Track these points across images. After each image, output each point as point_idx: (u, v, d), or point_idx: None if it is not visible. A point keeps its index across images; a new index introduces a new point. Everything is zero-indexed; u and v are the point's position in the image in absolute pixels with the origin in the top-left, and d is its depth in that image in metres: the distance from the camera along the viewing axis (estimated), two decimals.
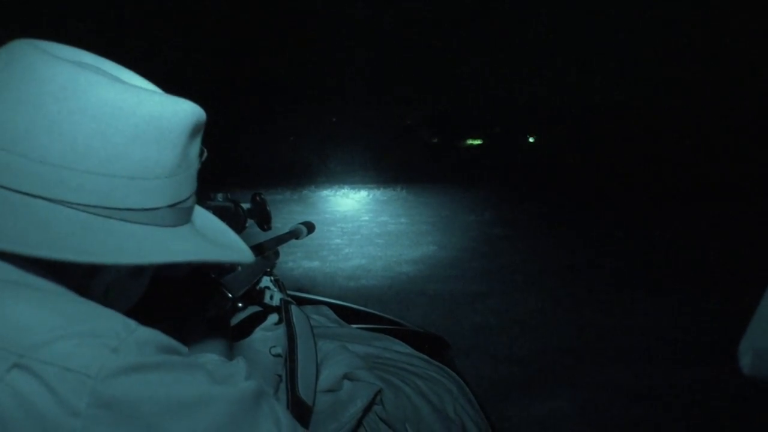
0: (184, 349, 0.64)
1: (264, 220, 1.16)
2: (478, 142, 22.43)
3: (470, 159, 20.31)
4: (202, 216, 0.84)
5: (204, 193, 1.01)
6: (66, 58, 0.65)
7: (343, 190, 14.07)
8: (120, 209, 0.64)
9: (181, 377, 0.58)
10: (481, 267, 6.35)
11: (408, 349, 1.39)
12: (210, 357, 0.86)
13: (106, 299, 0.66)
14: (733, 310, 4.58)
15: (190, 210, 0.75)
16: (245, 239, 0.93)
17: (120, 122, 0.63)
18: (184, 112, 0.68)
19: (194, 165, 0.73)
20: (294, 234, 1.39)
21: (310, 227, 1.44)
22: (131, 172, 0.64)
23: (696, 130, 17.13)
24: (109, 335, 0.56)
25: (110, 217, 0.64)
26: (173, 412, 0.56)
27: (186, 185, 0.72)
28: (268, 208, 1.16)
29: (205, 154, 0.76)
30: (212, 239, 0.78)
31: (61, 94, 0.61)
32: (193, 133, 0.70)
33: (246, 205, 1.13)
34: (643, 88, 18.76)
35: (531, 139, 22.37)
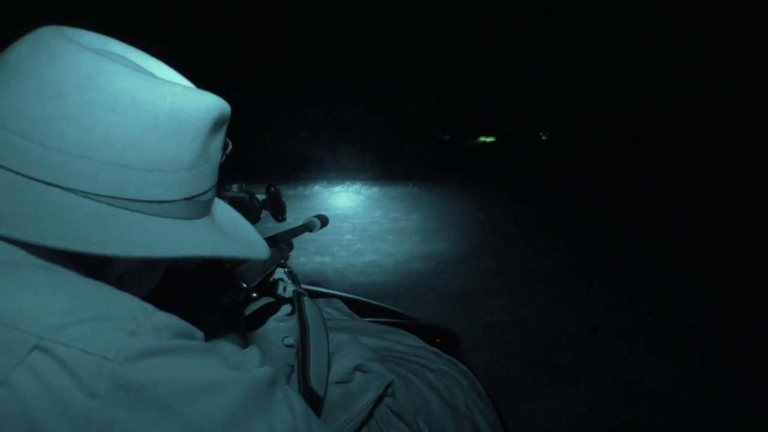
0: (199, 334, 0.64)
1: (279, 211, 1.16)
2: (490, 139, 22.36)
3: (482, 156, 20.24)
4: (222, 209, 0.83)
5: (219, 184, 1.02)
6: (92, 46, 0.65)
7: (355, 186, 14.07)
8: (135, 200, 0.64)
9: (196, 362, 0.59)
10: (492, 264, 6.34)
11: (419, 343, 1.39)
12: (225, 345, 0.87)
13: (118, 288, 0.67)
14: (740, 308, 4.59)
15: (209, 203, 0.75)
16: (259, 231, 0.94)
17: (139, 113, 0.63)
18: (206, 105, 0.68)
19: (215, 158, 0.73)
20: (308, 227, 1.39)
21: (324, 220, 1.44)
22: (148, 164, 0.64)
23: (709, 129, 16.99)
24: (127, 319, 0.56)
25: (124, 208, 0.64)
26: (189, 396, 0.56)
27: (205, 178, 0.71)
28: (282, 199, 1.16)
29: (230, 147, 0.76)
30: (229, 233, 0.78)
31: (82, 83, 0.61)
32: (216, 126, 0.70)
33: (261, 196, 1.14)
34: (656, 88, 18.62)
35: (543, 137, 22.27)
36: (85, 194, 0.62)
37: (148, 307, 0.59)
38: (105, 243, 0.61)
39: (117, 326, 0.55)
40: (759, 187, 11.31)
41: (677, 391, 3.33)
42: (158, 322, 0.58)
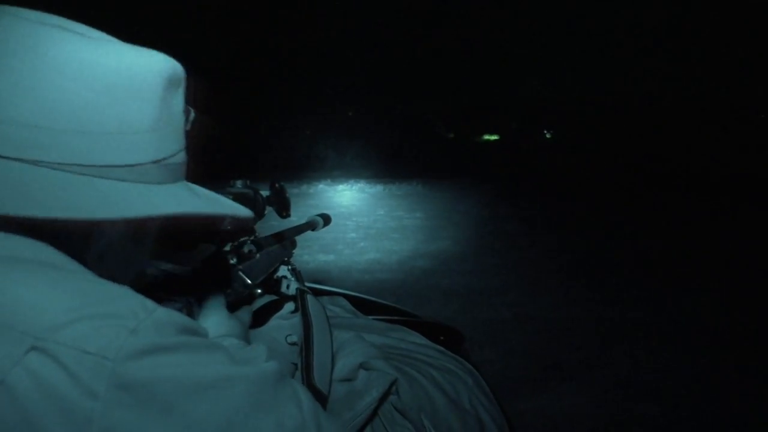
0: (204, 330, 0.63)
1: (283, 207, 1.16)
2: (494, 137, 22.35)
3: (486, 154, 20.23)
4: (195, 186, 0.80)
5: (224, 181, 1.02)
6: (28, 18, 0.63)
7: (359, 185, 14.08)
8: (99, 166, 0.62)
9: (201, 358, 0.57)
10: (496, 262, 6.33)
11: (424, 341, 1.39)
12: (231, 341, 0.86)
13: (103, 269, 0.64)
14: (743, 307, 4.57)
15: (181, 167, 0.72)
16: (263, 228, 0.93)
17: (88, 77, 0.61)
18: (157, 63, 0.66)
19: (178, 120, 0.71)
20: (311, 225, 1.40)
21: (326, 219, 1.44)
22: (107, 128, 0.62)
23: (715, 125, 16.93)
24: (127, 316, 0.55)
25: (91, 175, 0.62)
26: (193, 393, 0.55)
27: (171, 140, 0.69)
28: (287, 195, 1.16)
29: (193, 115, 0.74)
30: (209, 197, 0.76)
31: (25, 52, 0.60)
32: (170, 85, 0.68)
33: (265, 193, 1.13)
34: (661, 85, 18.56)
35: (548, 135, 22.25)
36: (48, 164, 0.60)
37: (150, 304, 0.58)
38: (79, 208, 0.59)
39: (117, 324, 0.54)
40: (761, 187, 11.29)
41: (681, 389, 3.32)
42: (160, 319, 0.57)
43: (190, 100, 0.74)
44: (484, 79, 21.03)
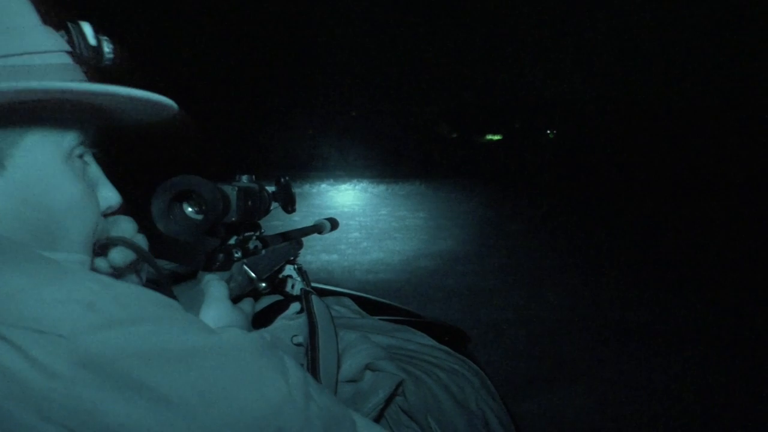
0: (176, 304, 0.60)
1: (289, 202, 1.15)
2: (497, 137, 22.36)
3: (489, 154, 20.24)
4: None
5: (229, 175, 1.01)
6: None
7: (361, 184, 14.09)
8: None
9: (168, 329, 0.55)
10: (500, 262, 6.32)
11: (430, 341, 1.38)
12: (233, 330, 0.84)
13: (41, 224, 0.62)
14: (743, 306, 4.56)
15: (28, 69, 0.63)
16: (269, 229, 0.92)
17: None
18: None
19: (16, 26, 0.63)
20: (317, 228, 1.39)
21: (333, 223, 1.44)
22: None
23: (714, 128, 16.91)
24: (82, 291, 0.53)
25: None
26: (161, 366, 0.52)
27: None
28: (292, 190, 1.15)
29: (105, 39, 0.68)
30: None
31: None
32: None
33: (271, 188, 1.12)
34: (662, 84, 18.54)
35: (551, 135, 22.24)
36: None
37: (107, 279, 0.56)
38: None
39: (72, 300, 0.52)
40: (761, 188, 11.29)
41: (684, 389, 3.31)
42: (122, 292, 0.55)
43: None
44: (487, 79, 21.03)
